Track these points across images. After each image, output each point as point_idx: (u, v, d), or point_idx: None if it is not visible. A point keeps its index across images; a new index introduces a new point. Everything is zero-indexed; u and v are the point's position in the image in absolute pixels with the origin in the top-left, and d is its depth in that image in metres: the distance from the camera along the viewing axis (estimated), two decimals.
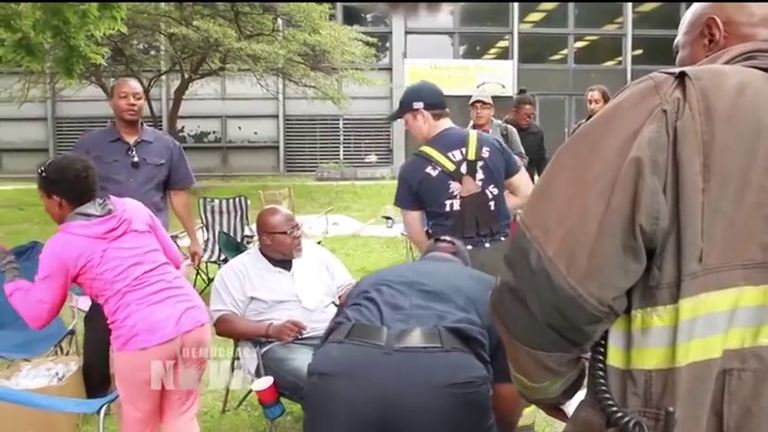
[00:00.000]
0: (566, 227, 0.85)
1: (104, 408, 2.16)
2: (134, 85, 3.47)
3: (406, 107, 2.80)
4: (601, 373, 0.89)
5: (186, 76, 12.28)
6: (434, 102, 2.76)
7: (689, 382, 0.83)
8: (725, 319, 0.83)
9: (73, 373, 3.26)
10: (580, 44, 19.62)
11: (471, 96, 5.15)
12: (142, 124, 3.47)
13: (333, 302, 2.99)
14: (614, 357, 0.89)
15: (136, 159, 3.37)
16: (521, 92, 5.99)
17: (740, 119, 0.85)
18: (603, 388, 0.88)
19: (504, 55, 19.04)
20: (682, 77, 0.87)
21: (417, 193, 2.73)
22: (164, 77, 13.70)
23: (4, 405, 2.75)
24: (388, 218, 7.66)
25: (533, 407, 2.65)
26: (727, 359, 0.84)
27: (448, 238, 2.23)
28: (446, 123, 2.80)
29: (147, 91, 12.19)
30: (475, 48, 19.98)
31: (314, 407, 1.60)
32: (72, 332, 3.64)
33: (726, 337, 0.84)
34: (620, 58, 19.32)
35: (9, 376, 3.22)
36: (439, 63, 17.96)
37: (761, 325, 0.84)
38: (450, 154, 2.69)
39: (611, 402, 0.86)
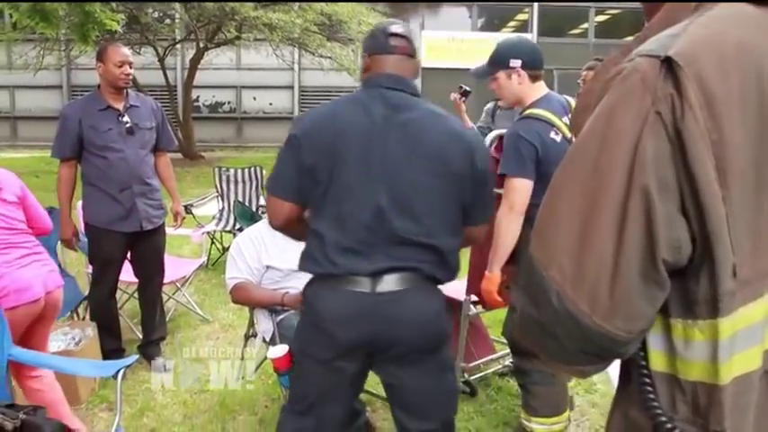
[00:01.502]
0: (581, 265, 0.79)
1: (121, 372, 2.15)
2: (128, 52, 3.42)
3: (499, 64, 2.50)
4: (646, 380, 0.84)
5: (201, 44, 12.20)
6: (534, 61, 2.50)
7: (734, 397, 0.79)
8: (761, 327, 0.80)
9: (90, 339, 3.28)
10: (601, 18, 19.23)
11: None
12: (127, 90, 3.43)
13: None
14: (658, 362, 0.84)
15: (129, 125, 3.35)
16: (596, 60, 4.90)
17: (743, 99, 0.76)
18: (651, 396, 0.83)
19: (523, 28, 18.72)
20: (669, 64, 0.76)
21: (541, 160, 2.38)
22: (179, 46, 13.63)
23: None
24: None
25: (567, 413, 2.64)
26: (767, 361, 0.81)
27: (400, 31, 1.88)
28: (544, 87, 2.56)
29: (161, 60, 12.15)
30: (493, 21, 19.65)
31: (312, 328, 1.84)
32: (88, 298, 3.67)
33: (763, 343, 0.80)
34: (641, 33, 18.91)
35: None
36: (456, 36, 17.70)
37: None
38: (564, 119, 2.46)
39: (659, 412, 0.82)
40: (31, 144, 15.23)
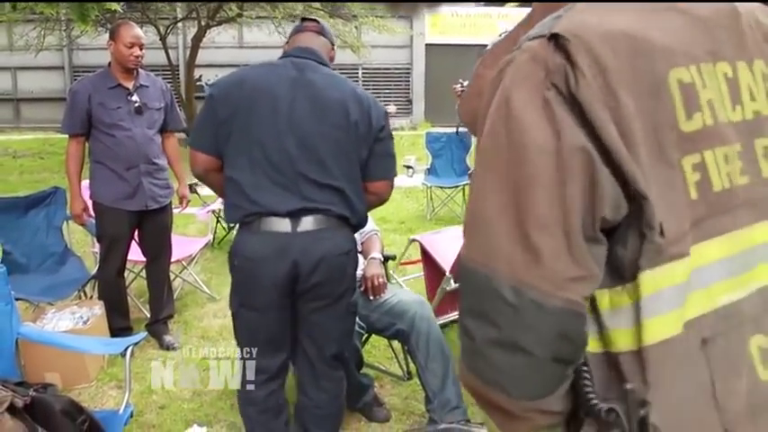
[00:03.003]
0: (531, 244, 0.73)
1: (130, 349, 2.15)
2: (141, 33, 3.40)
3: None
4: (583, 365, 0.80)
5: (203, 23, 12.08)
6: None
7: (657, 365, 0.76)
8: (683, 290, 0.77)
9: (97, 317, 3.29)
10: None
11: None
12: (137, 69, 3.42)
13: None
14: (591, 342, 0.80)
15: (138, 104, 3.34)
16: None
17: (635, 75, 0.77)
18: (587, 376, 0.79)
19: (529, 2, 18.48)
20: (557, 40, 0.76)
21: None
22: (180, 25, 13.49)
23: (31, 346, 2.79)
24: (409, 167, 7.59)
25: None
26: (691, 327, 0.78)
27: (313, 18, 2.25)
28: None
29: (163, 38, 12.05)
30: None
31: (242, 277, 2.06)
32: (95, 277, 3.67)
33: (684, 308, 0.77)
34: None
35: (35, 320, 3.26)
36: (461, 11, 17.50)
37: (712, 285, 0.79)
38: None
39: (588, 390, 0.78)
40: (34, 126, 15.20)
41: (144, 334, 2.48)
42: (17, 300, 3.39)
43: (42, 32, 11.64)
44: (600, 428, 0.77)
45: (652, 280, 0.75)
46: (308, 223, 1.98)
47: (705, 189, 0.79)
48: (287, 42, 2.23)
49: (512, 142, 0.76)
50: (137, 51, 3.31)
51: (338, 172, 2.00)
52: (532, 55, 0.77)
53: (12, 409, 1.77)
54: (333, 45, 2.24)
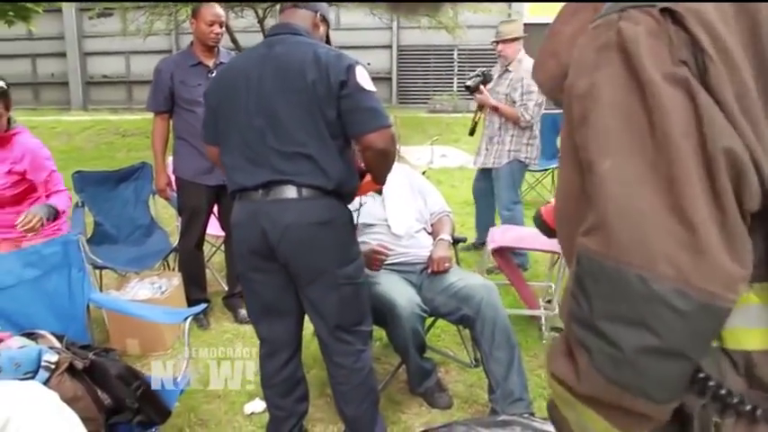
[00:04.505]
0: (696, 245, 0.65)
1: (189, 319, 2.19)
2: (221, 12, 3.46)
3: None
4: None
5: None
6: None
7: None
8: None
9: (175, 287, 3.41)
10: None
11: None
12: (218, 48, 3.49)
13: (424, 228, 2.88)
14: None
15: None
16: None
17: (744, 44, 0.70)
18: (703, 374, 0.73)
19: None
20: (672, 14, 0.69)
21: None
22: (278, 7, 13.81)
23: (115, 314, 2.93)
24: None
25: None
26: None
27: None
28: None
29: (261, 21, 12.36)
30: None
31: (233, 244, 2.23)
32: (176, 249, 3.80)
33: None
34: None
35: (119, 288, 3.43)
36: None
37: None
38: None
39: (713, 383, 0.72)
40: (143, 107, 16.13)
41: (204, 306, 2.53)
42: (105, 269, 3.59)
43: (150, 18, 12.23)
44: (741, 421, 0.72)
45: None
46: (276, 193, 2.03)
47: None
48: None
49: (654, 126, 0.67)
50: (216, 29, 3.37)
51: (305, 137, 2.00)
52: (647, 28, 0.69)
53: (72, 371, 1.83)
54: (316, 12, 2.19)
